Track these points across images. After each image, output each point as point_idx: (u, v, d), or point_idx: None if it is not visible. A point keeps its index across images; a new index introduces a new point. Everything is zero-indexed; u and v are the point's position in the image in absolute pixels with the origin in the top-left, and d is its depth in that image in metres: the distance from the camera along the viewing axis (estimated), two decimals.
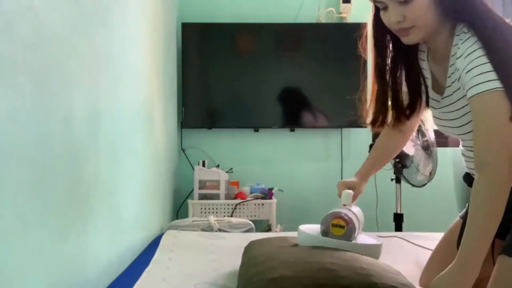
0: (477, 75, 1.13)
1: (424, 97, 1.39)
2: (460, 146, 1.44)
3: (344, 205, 1.44)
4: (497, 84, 1.11)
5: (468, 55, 1.16)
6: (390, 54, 1.36)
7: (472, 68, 1.14)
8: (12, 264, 0.97)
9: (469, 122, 1.25)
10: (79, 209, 1.32)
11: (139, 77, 2.10)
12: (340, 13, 3.46)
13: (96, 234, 1.45)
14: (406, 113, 1.40)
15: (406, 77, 1.38)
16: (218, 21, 3.42)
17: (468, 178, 1.41)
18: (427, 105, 1.40)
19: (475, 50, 1.15)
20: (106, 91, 1.57)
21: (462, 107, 1.27)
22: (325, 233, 1.35)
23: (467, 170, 1.42)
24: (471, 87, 1.14)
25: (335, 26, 3.45)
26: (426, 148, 2.66)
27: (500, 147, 1.11)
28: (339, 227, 1.34)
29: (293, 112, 3.47)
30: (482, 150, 1.14)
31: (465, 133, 1.31)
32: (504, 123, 1.11)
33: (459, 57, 1.19)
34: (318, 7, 3.46)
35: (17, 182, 0.98)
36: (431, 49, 1.34)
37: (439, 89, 1.34)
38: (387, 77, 1.37)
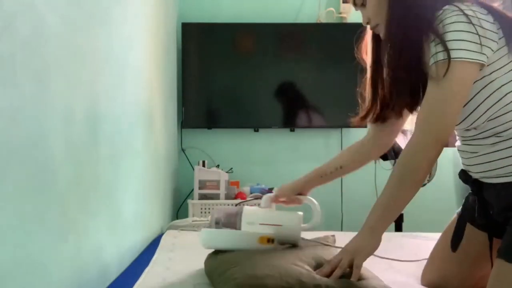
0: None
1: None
2: (457, 142, 1.41)
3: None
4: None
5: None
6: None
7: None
8: (12, 264, 0.97)
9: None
10: (79, 209, 1.32)
11: (139, 77, 2.10)
12: (340, 13, 3.46)
13: (96, 234, 1.45)
14: (387, 109, 1.42)
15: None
16: (218, 21, 3.42)
17: (464, 175, 1.38)
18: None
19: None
20: (106, 91, 1.57)
21: None
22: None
23: (462, 167, 1.41)
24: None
25: (335, 26, 3.45)
26: None
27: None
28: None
29: (293, 112, 3.47)
30: None
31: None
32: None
33: None
34: (318, 7, 3.46)
35: (17, 182, 0.98)
36: None
37: None
38: (380, 77, 1.40)
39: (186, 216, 3.04)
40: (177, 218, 3.11)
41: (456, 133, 1.37)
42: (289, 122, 3.46)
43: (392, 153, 2.69)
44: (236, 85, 3.45)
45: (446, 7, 1.18)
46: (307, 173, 1.63)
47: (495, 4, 1.22)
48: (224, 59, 3.42)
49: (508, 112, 1.19)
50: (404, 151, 1.25)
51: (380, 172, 3.03)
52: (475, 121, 1.24)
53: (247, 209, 1.46)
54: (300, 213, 1.52)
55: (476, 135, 1.27)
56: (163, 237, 2.08)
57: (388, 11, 1.27)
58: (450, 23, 1.15)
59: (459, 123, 1.28)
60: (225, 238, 1.41)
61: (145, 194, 2.20)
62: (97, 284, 1.43)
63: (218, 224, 1.44)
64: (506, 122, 1.19)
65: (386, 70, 1.32)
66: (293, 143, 3.48)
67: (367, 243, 1.23)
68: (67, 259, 1.23)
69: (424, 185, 2.72)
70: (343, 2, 3.43)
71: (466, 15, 1.14)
